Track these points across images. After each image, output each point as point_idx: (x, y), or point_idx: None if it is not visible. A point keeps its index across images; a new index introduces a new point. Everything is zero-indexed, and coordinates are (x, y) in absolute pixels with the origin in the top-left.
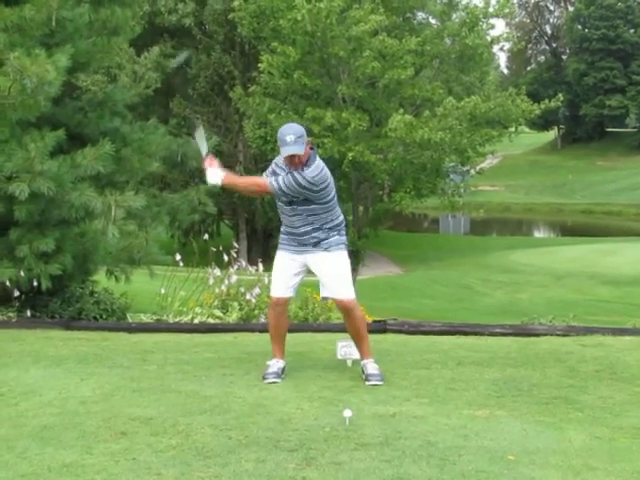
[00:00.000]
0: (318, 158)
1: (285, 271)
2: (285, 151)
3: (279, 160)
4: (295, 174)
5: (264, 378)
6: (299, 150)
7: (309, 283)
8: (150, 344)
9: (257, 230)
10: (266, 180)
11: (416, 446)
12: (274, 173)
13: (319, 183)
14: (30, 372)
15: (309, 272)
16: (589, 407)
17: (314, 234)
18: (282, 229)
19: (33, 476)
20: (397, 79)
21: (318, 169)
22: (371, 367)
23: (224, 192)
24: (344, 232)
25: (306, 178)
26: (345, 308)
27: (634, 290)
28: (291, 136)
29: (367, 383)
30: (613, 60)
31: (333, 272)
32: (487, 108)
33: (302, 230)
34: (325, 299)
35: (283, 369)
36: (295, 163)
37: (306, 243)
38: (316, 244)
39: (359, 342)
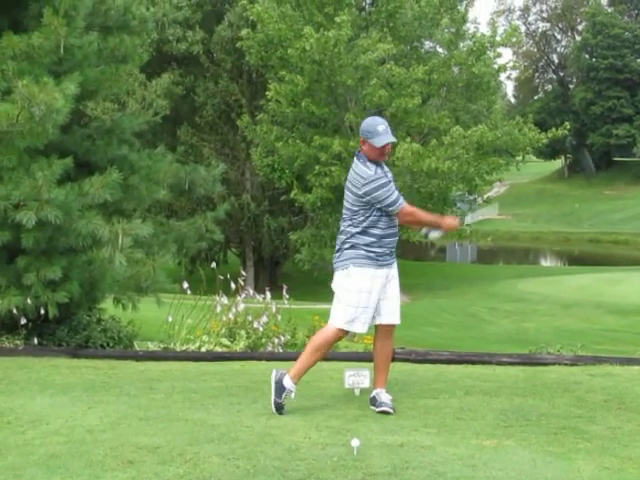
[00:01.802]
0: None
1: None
2: (382, 140)
3: (379, 171)
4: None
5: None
6: (394, 138)
7: (316, 311)
8: (157, 372)
9: (264, 258)
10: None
11: (424, 476)
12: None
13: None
14: (37, 400)
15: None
16: (598, 437)
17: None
18: (366, 245)
19: None
20: (404, 108)
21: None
22: (385, 396)
23: (231, 219)
24: None
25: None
26: (393, 332)
27: None
28: (382, 125)
29: (378, 409)
30: (620, 89)
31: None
32: (494, 137)
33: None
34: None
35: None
36: (387, 152)
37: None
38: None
39: (386, 369)
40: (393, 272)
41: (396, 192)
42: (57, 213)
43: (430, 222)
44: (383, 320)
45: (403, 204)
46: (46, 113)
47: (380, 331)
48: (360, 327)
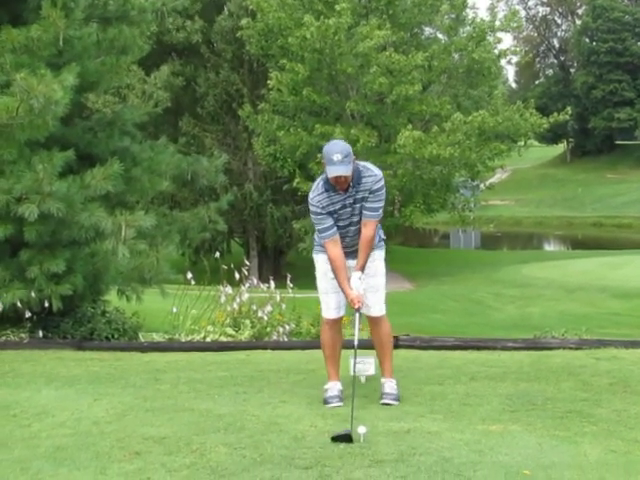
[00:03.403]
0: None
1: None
2: (332, 171)
3: (321, 199)
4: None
5: (327, 402)
6: (347, 171)
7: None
8: (162, 363)
9: (268, 247)
10: (328, 244)
11: (431, 462)
12: (330, 213)
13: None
14: (43, 393)
15: None
16: (604, 421)
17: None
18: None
19: None
20: (405, 95)
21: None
22: (389, 386)
23: (234, 209)
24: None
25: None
26: (379, 321)
27: None
28: (338, 155)
29: (380, 401)
30: (621, 73)
31: None
32: (495, 122)
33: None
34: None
35: (342, 391)
36: (341, 183)
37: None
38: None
39: (386, 357)
40: (375, 264)
41: (327, 224)
42: (59, 206)
43: (339, 281)
44: (365, 311)
45: (327, 240)
46: (45, 105)
47: (368, 322)
48: (324, 312)
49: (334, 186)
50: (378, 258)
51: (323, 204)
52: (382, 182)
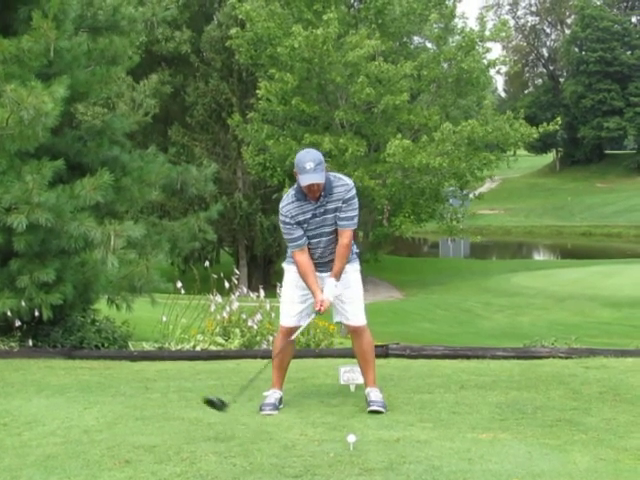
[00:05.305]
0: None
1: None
2: (305, 179)
3: (291, 209)
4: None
5: (261, 409)
6: (319, 178)
7: None
8: (153, 372)
9: (257, 256)
10: (296, 252)
11: (421, 470)
12: (299, 223)
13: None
14: (33, 401)
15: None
16: (593, 429)
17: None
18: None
19: None
20: (393, 104)
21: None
22: (374, 394)
23: (223, 219)
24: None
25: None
26: (361, 332)
27: (635, 312)
28: (310, 163)
29: (368, 408)
30: (610, 82)
31: None
32: (485, 132)
33: (325, 254)
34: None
35: (281, 400)
36: (314, 191)
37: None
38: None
39: (369, 367)
40: (348, 276)
41: (296, 234)
42: (48, 216)
43: (308, 284)
44: (345, 322)
45: (295, 250)
46: (35, 117)
47: (350, 332)
48: (283, 319)
49: (306, 195)
50: (351, 270)
51: (292, 213)
52: (354, 191)
